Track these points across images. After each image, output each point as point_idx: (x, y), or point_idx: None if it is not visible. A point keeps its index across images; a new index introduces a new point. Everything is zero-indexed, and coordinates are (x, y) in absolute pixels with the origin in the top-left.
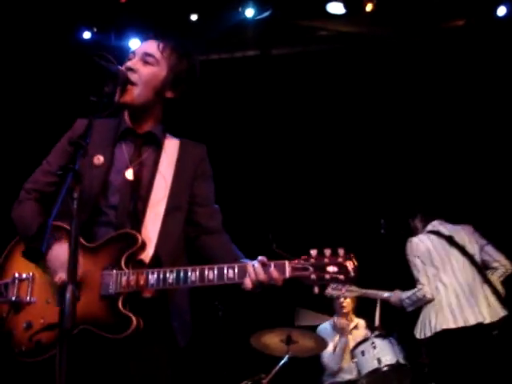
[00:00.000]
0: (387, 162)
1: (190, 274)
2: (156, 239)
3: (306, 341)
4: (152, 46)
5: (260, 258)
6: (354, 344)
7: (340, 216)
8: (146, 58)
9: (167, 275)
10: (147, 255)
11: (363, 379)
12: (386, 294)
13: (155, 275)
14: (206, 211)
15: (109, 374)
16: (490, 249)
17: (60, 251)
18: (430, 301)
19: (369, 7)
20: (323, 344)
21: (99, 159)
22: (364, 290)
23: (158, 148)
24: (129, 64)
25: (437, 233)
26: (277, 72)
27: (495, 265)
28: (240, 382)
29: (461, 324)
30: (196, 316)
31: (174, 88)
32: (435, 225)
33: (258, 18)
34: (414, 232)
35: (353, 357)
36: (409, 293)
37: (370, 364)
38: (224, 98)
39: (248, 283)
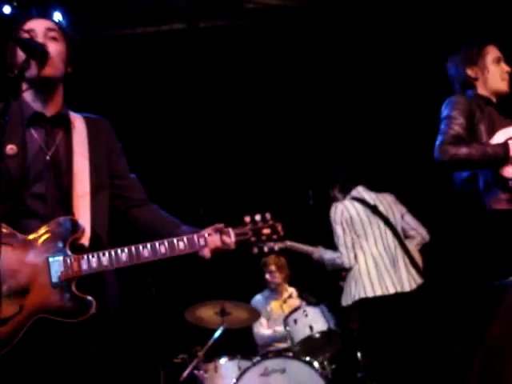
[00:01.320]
0: (314, 131)
1: (141, 250)
2: (89, 221)
3: (239, 312)
4: (49, 23)
5: (217, 225)
6: (287, 313)
7: (269, 187)
8: (50, 34)
9: (119, 254)
10: (86, 239)
11: (296, 347)
12: (310, 248)
13: (106, 256)
14: (128, 183)
15: (64, 355)
16: (408, 217)
17: None
18: (349, 269)
19: None
20: (256, 315)
21: (12, 149)
22: (290, 242)
23: (68, 129)
24: (40, 40)
25: (361, 200)
26: (204, 45)
27: (412, 233)
28: (176, 355)
29: (378, 293)
30: (129, 293)
31: (72, 63)
32: (360, 191)
33: None
34: (336, 198)
35: (286, 325)
36: (329, 255)
37: (302, 332)
38: (150, 73)
39: (207, 252)
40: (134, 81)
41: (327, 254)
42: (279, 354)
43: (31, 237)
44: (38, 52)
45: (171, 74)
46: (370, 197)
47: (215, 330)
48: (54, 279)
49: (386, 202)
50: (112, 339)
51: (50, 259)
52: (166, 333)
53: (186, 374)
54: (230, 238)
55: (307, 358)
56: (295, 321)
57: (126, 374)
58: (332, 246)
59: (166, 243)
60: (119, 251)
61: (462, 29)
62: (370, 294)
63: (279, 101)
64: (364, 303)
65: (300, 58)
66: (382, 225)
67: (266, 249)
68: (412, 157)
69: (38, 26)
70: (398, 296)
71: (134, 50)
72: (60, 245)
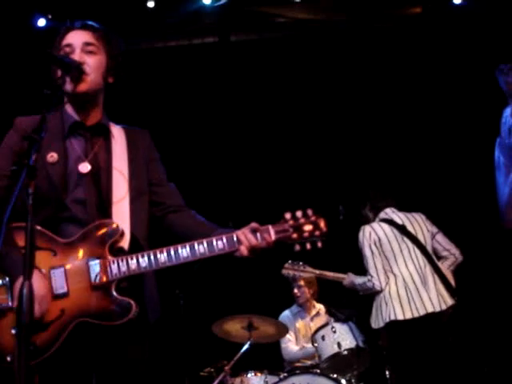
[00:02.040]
0: (347, 148)
1: (180, 250)
2: (129, 226)
3: (266, 327)
4: (87, 36)
5: (252, 224)
6: (315, 329)
7: (300, 201)
8: (88, 48)
9: (158, 255)
10: (125, 242)
11: (324, 364)
12: (341, 276)
13: (145, 258)
14: (165, 190)
15: (109, 361)
16: (440, 237)
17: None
18: (380, 292)
19: None
20: (284, 330)
21: (53, 156)
22: (319, 271)
23: (107, 138)
24: (76, 58)
25: (389, 221)
26: (235, 58)
27: (445, 254)
28: (203, 369)
29: (408, 316)
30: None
31: (113, 73)
32: (388, 212)
33: (216, 4)
34: (367, 221)
35: (313, 342)
36: (360, 280)
37: (330, 348)
38: (183, 85)
39: (244, 250)
40: (166, 93)
41: (358, 279)
42: (306, 370)
43: (71, 240)
44: (72, 69)
45: (203, 86)
46: (398, 217)
47: (242, 345)
48: (94, 282)
49: (415, 222)
50: (150, 346)
51: (90, 262)
52: (193, 346)
53: None
54: (270, 235)
55: (334, 376)
56: (323, 337)
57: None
58: (360, 269)
59: (205, 242)
60: (158, 252)
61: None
62: (400, 317)
63: (311, 114)
64: (394, 325)
65: (329, 72)
66: (410, 244)
67: (308, 246)
68: (445, 176)
69: (75, 40)
70: (429, 317)
71: (167, 63)
72: (99, 248)
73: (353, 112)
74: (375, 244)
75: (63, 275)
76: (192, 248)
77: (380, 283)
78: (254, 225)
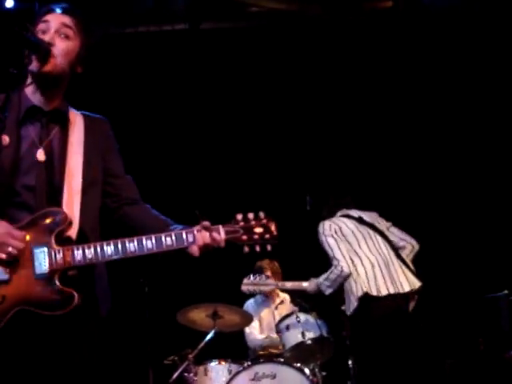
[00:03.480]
0: (314, 139)
1: (128, 244)
2: (78, 216)
3: (231, 316)
4: (67, 20)
5: (204, 222)
6: (279, 318)
7: (266, 192)
8: (64, 31)
9: (105, 248)
10: (73, 232)
11: (287, 353)
12: (303, 284)
13: (91, 249)
14: (122, 182)
15: (48, 351)
16: (394, 229)
17: None
18: (348, 275)
19: None
20: (249, 319)
21: (5, 140)
22: (280, 283)
23: (65, 125)
24: (46, 38)
25: (347, 215)
26: (205, 47)
27: (402, 244)
28: (167, 357)
29: (374, 293)
30: (122, 293)
31: (83, 63)
32: (344, 210)
33: None
34: (327, 216)
35: (278, 331)
36: (325, 274)
37: (294, 338)
38: (151, 72)
39: (195, 250)
40: (134, 80)
41: (322, 276)
42: (270, 359)
43: (17, 226)
44: (40, 49)
45: (172, 74)
46: (354, 212)
47: (207, 333)
48: (38, 270)
49: (369, 216)
50: (102, 338)
51: (35, 250)
52: (157, 334)
53: (175, 376)
54: (220, 235)
55: (298, 365)
56: (287, 327)
57: (113, 373)
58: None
59: (154, 238)
60: (105, 245)
61: None
62: (375, 293)
63: (280, 104)
64: (366, 300)
65: (301, 63)
66: (371, 232)
67: (257, 248)
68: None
69: (53, 21)
70: (399, 295)
71: (136, 49)
72: (46, 236)
73: (321, 103)
74: (336, 233)
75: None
76: (140, 243)
77: (348, 266)
78: (205, 223)
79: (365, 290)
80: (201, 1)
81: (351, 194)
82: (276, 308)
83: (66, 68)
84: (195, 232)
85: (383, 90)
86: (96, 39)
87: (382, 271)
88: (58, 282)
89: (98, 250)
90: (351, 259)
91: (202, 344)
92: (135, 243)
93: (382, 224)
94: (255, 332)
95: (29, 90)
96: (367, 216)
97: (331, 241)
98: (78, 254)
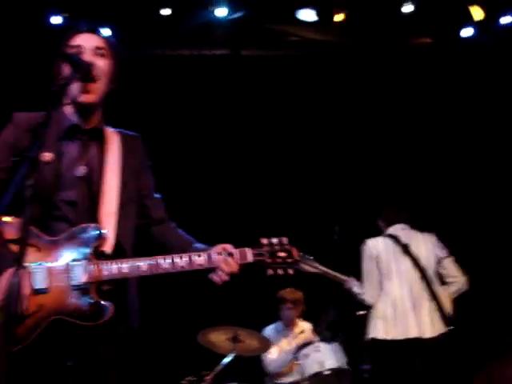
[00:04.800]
0: (344, 168)
1: (162, 261)
2: (114, 231)
3: (251, 341)
4: (98, 40)
5: (226, 246)
6: (299, 345)
7: (296, 220)
8: (99, 52)
9: (140, 264)
10: (109, 247)
11: (305, 381)
12: (343, 277)
13: (126, 264)
14: (152, 202)
15: (81, 360)
16: (448, 263)
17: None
18: (370, 306)
19: (339, 17)
20: (267, 345)
21: (48, 156)
22: (325, 269)
23: (103, 142)
24: (87, 59)
25: (394, 237)
26: (244, 73)
27: (450, 280)
28: (184, 377)
29: (390, 337)
30: (145, 309)
31: (118, 79)
32: (396, 228)
33: (230, 17)
34: (381, 231)
35: (296, 359)
36: (356, 289)
37: (312, 367)
38: (188, 95)
39: (219, 279)
40: (171, 101)
41: (355, 288)
42: None
43: (56, 239)
44: (83, 69)
45: (210, 97)
46: (405, 235)
47: (225, 356)
48: (74, 282)
49: (421, 242)
50: (132, 349)
51: (72, 263)
52: (176, 353)
53: None
54: (246, 258)
55: None
56: (306, 355)
57: None
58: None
59: (186, 257)
60: (139, 261)
61: None
62: (381, 337)
63: (316, 134)
64: (375, 343)
65: (336, 94)
66: (410, 265)
67: (280, 272)
68: (463, 197)
69: (86, 43)
70: (412, 341)
71: (175, 71)
72: (83, 249)
73: (357, 135)
74: (374, 259)
75: (45, 272)
76: (173, 261)
77: (371, 298)
78: (228, 248)
79: (373, 335)
80: (242, 28)
81: (411, 209)
82: (296, 337)
83: (106, 89)
84: (225, 260)
85: (418, 122)
86: (125, 54)
87: (403, 313)
88: (93, 294)
89: (133, 265)
90: (378, 293)
91: (220, 367)
92: (169, 261)
93: (433, 255)
94: (273, 358)
95: (68, 109)
96: (417, 242)
97: (365, 267)
98: (113, 268)
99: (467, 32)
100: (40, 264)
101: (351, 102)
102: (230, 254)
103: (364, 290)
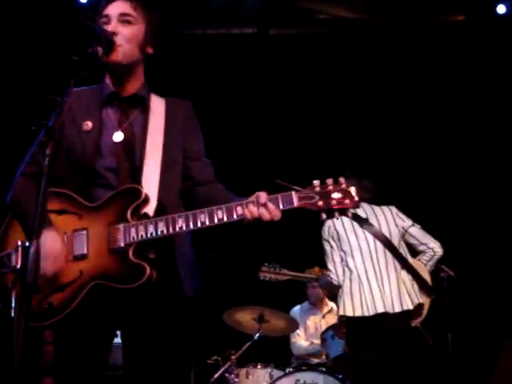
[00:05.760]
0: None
1: (199, 215)
2: (157, 193)
3: (277, 320)
4: (125, 6)
5: (259, 193)
6: (326, 327)
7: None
8: (124, 18)
9: (176, 219)
10: (151, 208)
11: (331, 362)
12: (313, 277)
13: (163, 222)
14: (198, 165)
15: (123, 325)
16: (414, 231)
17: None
18: (339, 287)
19: None
20: (294, 325)
21: (88, 125)
22: (294, 273)
23: (145, 109)
24: (109, 28)
25: (353, 215)
26: (273, 51)
27: (422, 248)
28: (210, 356)
29: (358, 313)
30: None
31: (153, 43)
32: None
33: None
34: None
35: (323, 340)
36: (323, 278)
37: (338, 348)
38: (219, 73)
39: (245, 222)
40: (199, 81)
41: (322, 278)
42: (312, 367)
43: (97, 205)
44: (103, 39)
45: (238, 77)
46: (363, 210)
47: (251, 336)
48: (112, 245)
49: (381, 215)
50: (183, 318)
51: (111, 226)
52: (202, 332)
53: (216, 375)
54: (277, 209)
55: (340, 376)
56: (333, 336)
57: (180, 362)
58: None
59: (224, 208)
60: (176, 216)
61: None
62: (349, 313)
63: (342, 112)
64: (347, 322)
65: (365, 72)
66: (371, 239)
67: (336, 215)
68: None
69: (112, 11)
70: (379, 316)
71: (203, 50)
72: (122, 212)
73: (385, 114)
74: (333, 238)
75: (85, 238)
76: (210, 213)
77: (337, 277)
78: (262, 196)
79: (341, 313)
80: (270, 6)
81: (371, 187)
82: (323, 317)
83: (136, 53)
84: (246, 205)
85: (448, 102)
86: (163, 17)
87: (369, 288)
88: (132, 256)
89: (170, 221)
90: (342, 271)
91: (246, 346)
92: (206, 214)
93: (396, 225)
94: (300, 339)
95: (108, 79)
96: (377, 215)
97: (327, 247)
98: (151, 226)
99: (502, 9)
100: (80, 230)
101: (379, 81)
102: (264, 205)
103: (330, 271)
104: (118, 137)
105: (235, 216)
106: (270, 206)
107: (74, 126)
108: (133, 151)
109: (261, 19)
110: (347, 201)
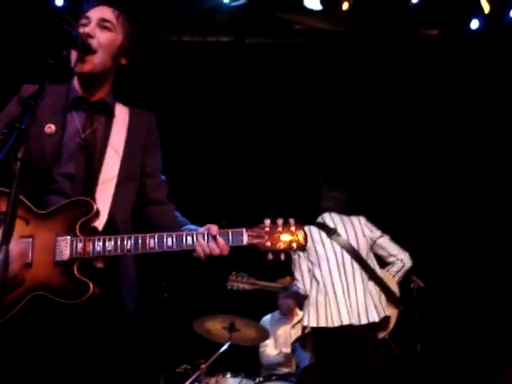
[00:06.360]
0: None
1: (148, 240)
2: (109, 207)
3: (248, 330)
4: (107, 12)
5: (209, 226)
6: (296, 337)
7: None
8: (103, 24)
9: (125, 241)
10: (101, 223)
11: (300, 373)
12: (280, 286)
13: (112, 241)
14: (154, 182)
15: (61, 339)
16: (383, 241)
17: None
18: (305, 296)
19: (345, 6)
20: (265, 335)
21: (51, 128)
22: (264, 283)
23: (110, 116)
24: (87, 30)
25: (321, 225)
26: (248, 60)
27: (391, 259)
28: (179, 365)
29: (322, 325)
30: (141, 295)
31: (128, 55)
32: (324, 216)
33: (235, 4)
34: None
35: (293, 350)
36: (289, 286)
37: (308, 359)
38: (193, 80)
39: (199, 254)
40: (173, 88)
41: (289, 287)
42: (282, 377)
43: (46, 212)
44: (78, 41)
45: (212, 85)
46: (332, 220)
47: (221, 345)
48: (58, 257)
49: (349, 225)
50: (125, 334)
51: (58, 237)
52: (172, 340)
53: None
54: (226, 244)
55: None
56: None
57: (124, 373)
58: None
59: (174, 236)
60: (126, 238)
61: None
62: (313, 324)
63: (316, 122)
64: (312, 332)
65: (340, 84)
66: (338, 249)
67: (282, 257)
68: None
69: (93, 14)
70: (344, 329)
71: (179, 58)
72: (71, 225)
73: (361, 125)
74: None
75: (29, 246)
76: (160, 239)
77: (304, 287)
78: (213, 229)
79: (305, 323)
80: (247, 15)
81: (340, 198)
82: (293, 327)
83: (108, 62)
84: (196, 236)
85: (421, 114)
86: (142, 30)
87: (335, 299)
88: (76, 272)
89: (118, 242)
90: (310, 281)
91: (216, 355)
92: (155, 239)
93: (364, 236)
94: (269, 349)
95: (76, 81)
96: (345, 225)
97: (294, 257)
98: (98, 245)
99: (475, 24)
100: (25, 237)
101: (354, 93)
102: (214, 237)
103: (296, 280)
104: (79, 143)
105: (184, 246)
106: (220, 240)
107: (36, 127)
108: (92, 159)
109: (237, 28)
110: (294, 244)
